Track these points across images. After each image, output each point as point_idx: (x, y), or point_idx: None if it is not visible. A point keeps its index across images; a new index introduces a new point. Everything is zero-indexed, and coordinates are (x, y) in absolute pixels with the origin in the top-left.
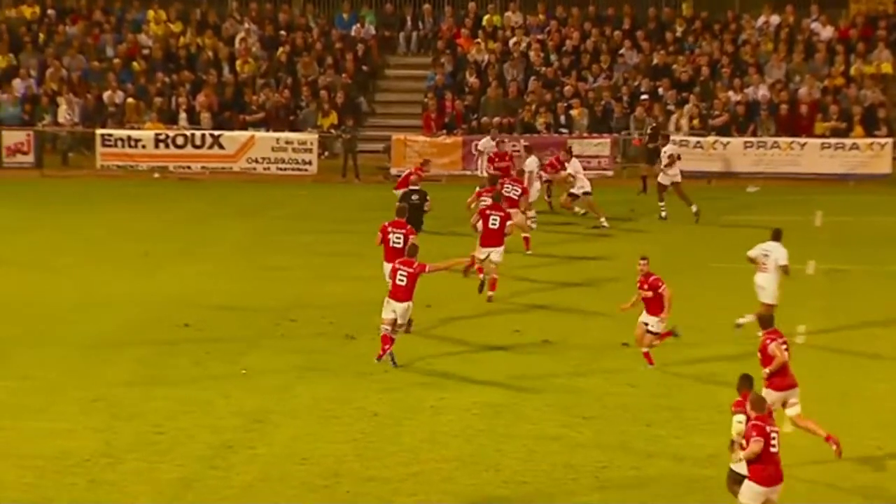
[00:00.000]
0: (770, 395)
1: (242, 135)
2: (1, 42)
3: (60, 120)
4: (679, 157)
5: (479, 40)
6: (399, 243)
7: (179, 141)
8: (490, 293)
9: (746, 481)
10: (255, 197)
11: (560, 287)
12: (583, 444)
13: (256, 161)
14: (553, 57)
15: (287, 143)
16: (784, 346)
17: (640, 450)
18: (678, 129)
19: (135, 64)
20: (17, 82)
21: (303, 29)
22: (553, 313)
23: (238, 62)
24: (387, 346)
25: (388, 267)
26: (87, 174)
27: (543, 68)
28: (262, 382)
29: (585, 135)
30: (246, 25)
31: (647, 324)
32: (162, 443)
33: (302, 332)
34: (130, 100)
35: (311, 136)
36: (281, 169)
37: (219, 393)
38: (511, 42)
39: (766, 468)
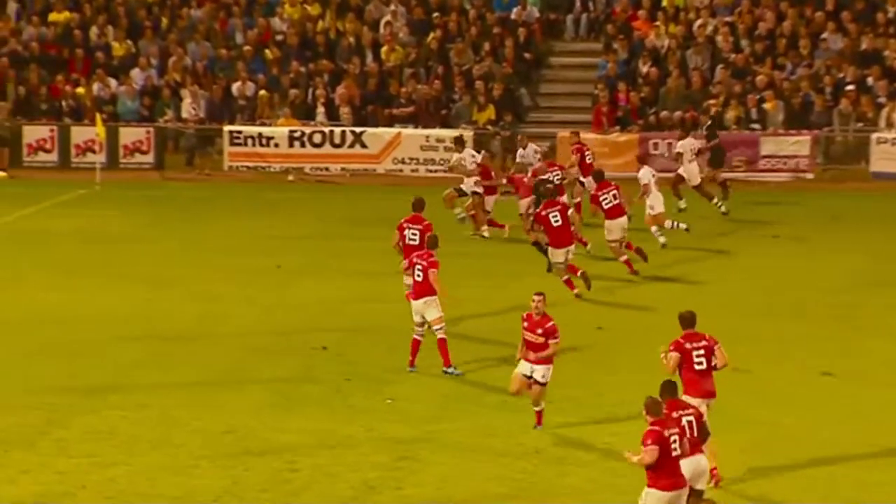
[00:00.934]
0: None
1: (387, 132)
2: (118, 27)
3: (184, 115)
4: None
5: (658, 23)
6: (415, 240)
7: (317, 139)
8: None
9: (647, 489)
10: (401, 202)
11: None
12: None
13: (403, 161)
14: (744, 42)
15: (438, 140)
16: (700, 352)
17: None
18: (890, 124)
19: (267, 52)
20: (135, 73)
21: (457, 11)
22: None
23: (383, 49)
24: (415, 352)
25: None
26: (213, 176)
27: (732, 55)
28: (409, 413)
29: (780, 131)
30: (392, 7)
31: (529, 376)
32: (296, 481)
33: (453, 357)
34: (262, 92)
35: (464, 133)
36: (430, 171)
37: (361, 425)
38: (695, 25)
39: (667, 474)
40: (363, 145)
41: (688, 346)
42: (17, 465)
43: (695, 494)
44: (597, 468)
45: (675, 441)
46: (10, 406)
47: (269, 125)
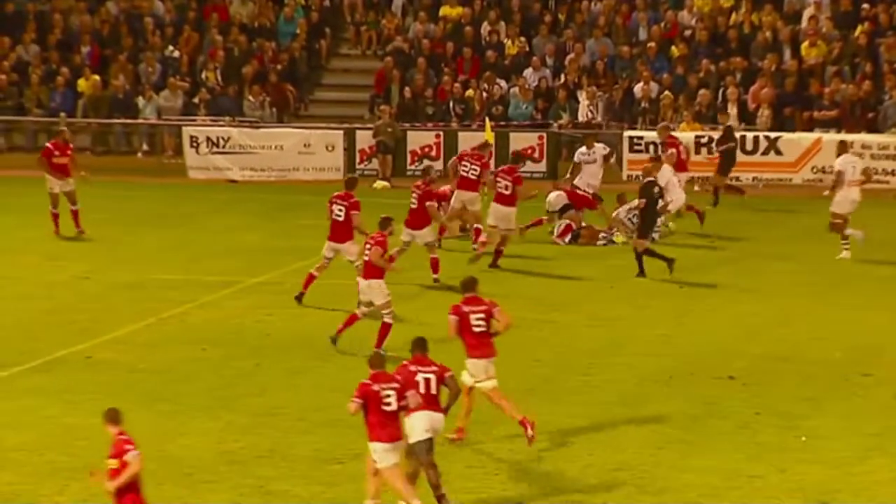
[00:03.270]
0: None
1: (806, 137)
2: (511, 23)
3: (580, 119)
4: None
5: None
6: (340, 216)
7: None
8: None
9: (369, 443)
10: (818, 216)
11: None
12: None
13: (823, 171)
14: None
15: (864, 147)
16: (478, 316)
17: None
18: None
19: (673, 48)
20: (528, 73)
21: (887, 2)
22: None
23: (803, 45)
24: (347, 326)
25: (328, 246)
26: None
27: None
28: (828, 454)
29: None
30: None
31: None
32: None
33: (878, 391)
34: (667, 93)
35: (894, 139)
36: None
37: (772, 465)
38: None
39: (383, 427)
40: (778, 152)
41: (466, 309)
42: (395, 500)
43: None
44: None
45: (388, 396)
46: None
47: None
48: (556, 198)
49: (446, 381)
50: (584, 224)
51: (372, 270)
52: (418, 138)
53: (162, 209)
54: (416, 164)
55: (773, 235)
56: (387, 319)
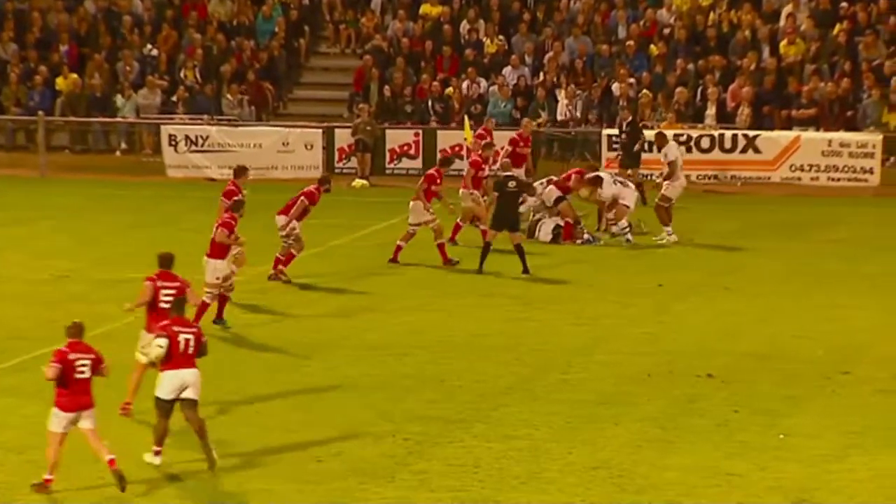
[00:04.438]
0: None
1: (784, 135)
2: (490, 21)
3: (559, 118)
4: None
5: None
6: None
7: (704, 144)
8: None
9: (53, 409)
10: (798, 214)
11: None
12: None
13: (801, 169)
14: None
15: (842, 145)
16: (169, 291)
17: None
18: None
19: (652, 47)
20: (507, 71)
21: (866, 0)
22: None
23: (782, 43)
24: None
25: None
26: None
27: None
28: (806, 451)
29: None
30: None
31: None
32: None
33: (859, 389)
34: (645, 92)
35: (872, 138)
36: (833, 179)
37: (751, 463)
38: None
39: (69, 395)
40: (757, 150)
41: (159, 283)
42: (375, 498)
43: (187, 404)
44: None
45: (83, 366)
46: (367, 434)
47: (652, 128)
48: (548, 192)
49: (203, 343)
50: (570, 220)
51: (216, 250)
52: (397, 137)
53: (141, 208)
54: (395, 162)
55: (751, 233)
56: (206, 299)
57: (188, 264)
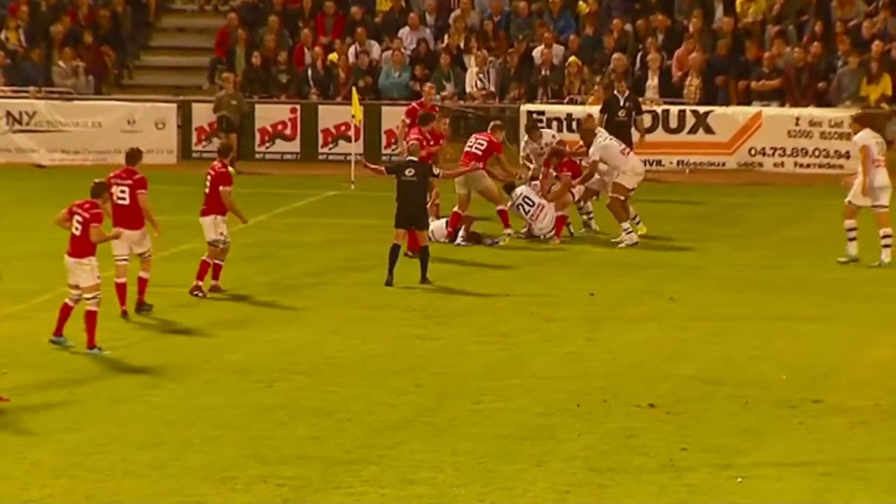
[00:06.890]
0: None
1: (743, 112)
2: None
3: (469, 90)
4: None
5: None
6: (124, 198)
7: (645, 122)
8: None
9: None
10: (758, 208)
11: None
12: None
13: (763, 153)
14: None
15: (812, 124)
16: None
17: None
18: None
19: (581, 4)
20: (404, 33)
21: None
22: None
23: (739, 1)
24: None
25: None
26: None
27: None
28: (770, 497)
29: None
30: None
31: None
32: None
33: (831, 421)
34: (573, 59)
35: (848, 115)
36: (801, 165)
37: None
38: None
39: None
40: (708, 130)
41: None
42: None
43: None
44: None
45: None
46: (232, 479)
47: (581, 103)
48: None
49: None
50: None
51: (81, 248)
52: (270, 113)
53: None
54: (267, 144)
55: (701, 232)
56: (90, 307)
57: (24, 271)
